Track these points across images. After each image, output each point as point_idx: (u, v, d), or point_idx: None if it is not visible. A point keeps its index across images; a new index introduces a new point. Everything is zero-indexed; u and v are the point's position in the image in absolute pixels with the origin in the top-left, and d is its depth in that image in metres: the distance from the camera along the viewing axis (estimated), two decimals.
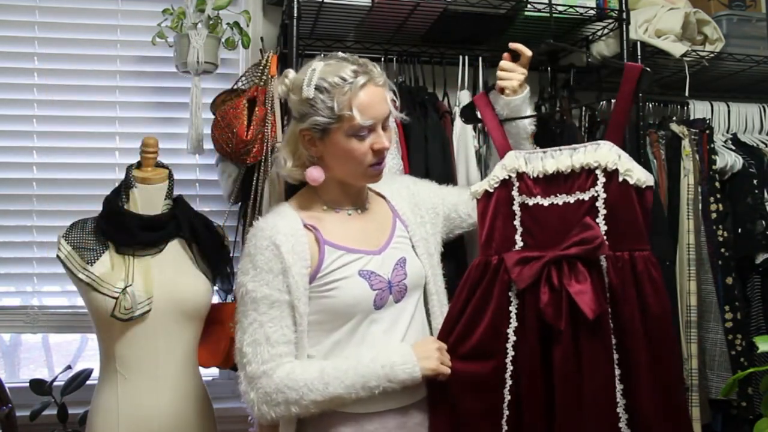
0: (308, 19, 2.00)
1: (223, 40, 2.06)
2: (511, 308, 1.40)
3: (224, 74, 2.24)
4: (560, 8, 1.97)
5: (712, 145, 2.17)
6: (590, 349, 1.32)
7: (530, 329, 1.37)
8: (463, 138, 1.94)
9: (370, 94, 1.34)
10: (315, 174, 1.40)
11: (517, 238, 1.44)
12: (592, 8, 2.00)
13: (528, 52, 1.56)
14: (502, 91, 1.55)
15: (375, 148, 1.36)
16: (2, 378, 1.95)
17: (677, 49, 2.09)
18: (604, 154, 1.36)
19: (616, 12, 2.02)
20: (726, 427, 2.12)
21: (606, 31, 2.12)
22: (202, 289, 1.73)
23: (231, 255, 1.88)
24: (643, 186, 1.35)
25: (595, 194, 1.37)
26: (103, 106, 2.25)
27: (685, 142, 2.14)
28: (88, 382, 2.01)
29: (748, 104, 2.36)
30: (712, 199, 2.13)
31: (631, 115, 1.43)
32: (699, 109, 2.28)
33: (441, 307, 1.49)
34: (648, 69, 1.39)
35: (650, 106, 2.28)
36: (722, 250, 2.11)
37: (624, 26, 2.02)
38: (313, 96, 1.33)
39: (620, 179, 1.34)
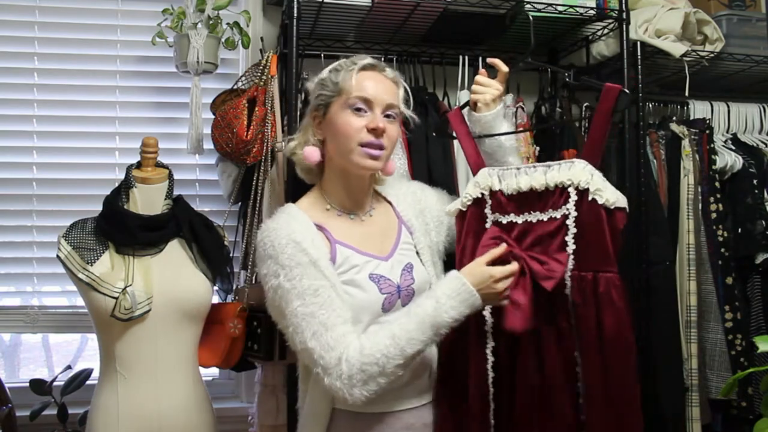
0: (308, 19, 2.00)
1: (223, 40, 2.06)
2: (486, 328, 1.40)
3: (224, 74, 2.24)
4: (560, 8, 1.97)
5: (712, 145, 2.17)
6: (552, 363, 1.34)
7: (503, 347, 1.39)
8: None
9: (372, 76, 1.41)
10: (308, 152, 1.44)
11: None
12: (592, 8, 2.00)
13: (504, 68, 1.55)
14: (474, 106, 1.54)
15: (369, 126, 1.37)
16: (2, 378, 1.95)
17: (677, 49, 2.09)
18: (577, 172, 1.35)
19: (616, 12, 2.02)
20: (726, 427, 2.13)
21: (606, 31, 2.12)
22: (202, 289, 1.73)
23: (231, 255, 1.88)
24: (613, 207, 1.33)
25: (567, 212, 1.36)
26: (103, 106, 2.25)
27: (685, 142, 2.14)
28: (88, 382, 2.01)
29: (748, 104, 2.35)
30: (712, 199, 2.13)
31: (609, 133, 1.42)
32: (699, 109, 2.28)
33: None
34: (626, 90, 1.37)
35: (650, 106, 2.27)
36: (722, 250, 2.11)
37: (624, 26, 2.02)
38: (325, 77, 1.44)
39: (590, 198, 1.33)
